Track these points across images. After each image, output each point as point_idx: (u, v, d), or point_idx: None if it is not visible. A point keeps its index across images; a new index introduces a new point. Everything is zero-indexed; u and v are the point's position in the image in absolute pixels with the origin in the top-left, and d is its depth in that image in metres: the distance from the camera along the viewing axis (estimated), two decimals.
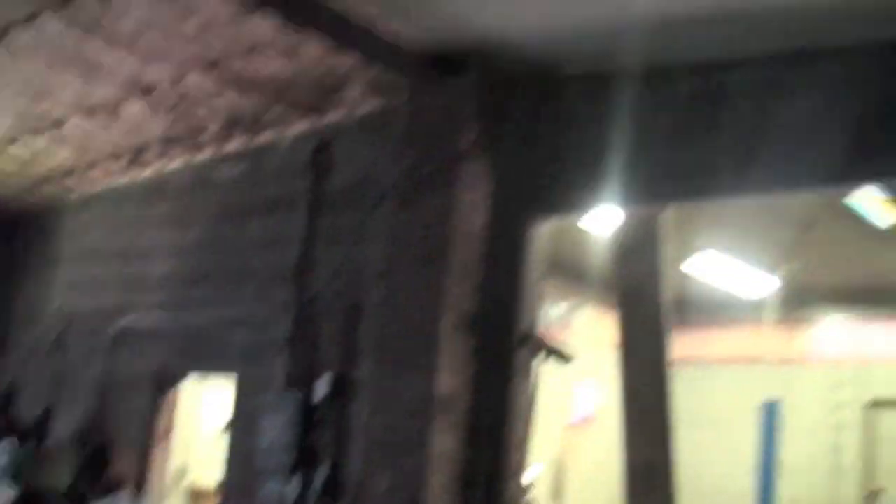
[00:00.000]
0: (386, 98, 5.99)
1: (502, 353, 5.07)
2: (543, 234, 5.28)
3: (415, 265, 5.24)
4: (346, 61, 5.59)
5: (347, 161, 6.20)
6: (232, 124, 6.62)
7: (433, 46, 5.27)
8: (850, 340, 11.87)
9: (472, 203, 5.22)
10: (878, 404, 11.38)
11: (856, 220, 9.19)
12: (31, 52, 5.69)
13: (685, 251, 10.43)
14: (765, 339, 11.75)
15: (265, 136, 6.73)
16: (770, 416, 11.19)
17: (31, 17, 5.31)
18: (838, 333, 11.96)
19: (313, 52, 5.51)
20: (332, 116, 6.35)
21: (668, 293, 5.75)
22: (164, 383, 7.00)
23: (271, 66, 5.70)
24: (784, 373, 11.67)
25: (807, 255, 9.82)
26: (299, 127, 6.54)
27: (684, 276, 11.09)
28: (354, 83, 5.84)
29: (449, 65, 5.32)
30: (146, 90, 6.20)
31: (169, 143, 7.03)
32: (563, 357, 5.15)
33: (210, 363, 6.70)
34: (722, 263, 10.27)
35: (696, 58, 4.79)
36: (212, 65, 5.79)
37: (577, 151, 5.17)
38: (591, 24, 4.79)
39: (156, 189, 7.50)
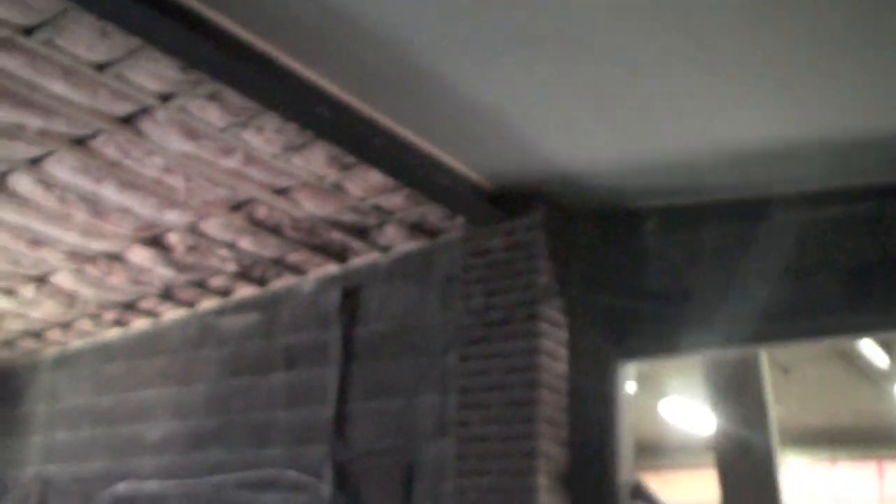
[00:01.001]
0: (427, 238, 5.58)
1: None
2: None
3: (497, 417, 4.74)
4: (393, 200, 5.18)
5: (382, 306, 5.73)
6: (246, 270, 6.10)
7: (497, 181, 4.92)
8: (821, 483, 11.78)
9: (555, 347, 4.80)
10: None
11: (830, 363, 9.26)
12: (35, 195, 5.12)
13: (657, 395, 10.29)
14: None
15: (281, 282, 6.21)
16: None
17: (38, 160, 4.77)
18: (808, 476, 11.88)
19: (358, 190, 5.09)
20: (362, 259, 5.89)
21: (774, 437, 5.35)
22: None
23: (304, 207, 5.25)
24: None
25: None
26: (321, 271, 6.05)
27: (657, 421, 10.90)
28: (394, 223, 5.42)
29: (513, 201, 4.96)
30: (155, 237, 5.66)
31: (171, 291, 6.44)
32: None
33: None
34: (688, 407, 10.16)
35: (794, 189, 4.53)
36: (235, 208, 5.31)
37: (656, 290, 4.81)
38: (671, 154, 4.52)
39: (151, 341, 6.84)
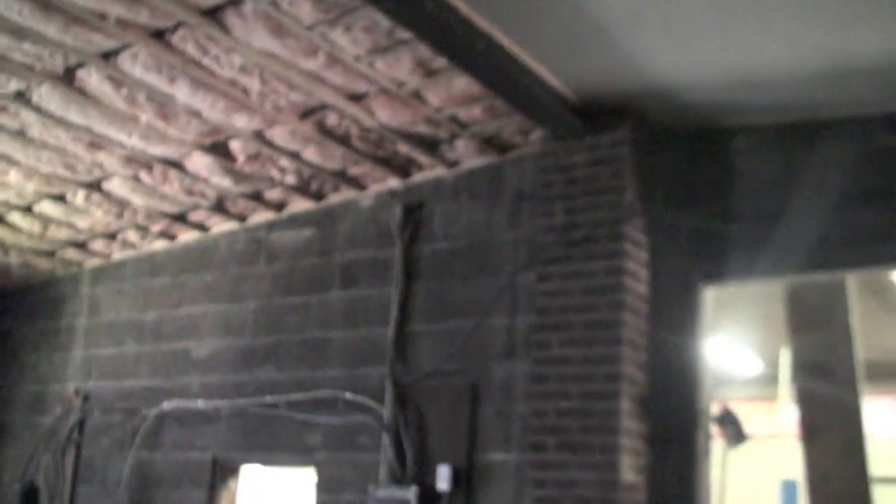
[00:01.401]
0: (497, 153, 5.41)
1: (683, 433, 4.48)
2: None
3: (579, 339, 4.62)
4: (472, 111, 5.00)
5: (447, 223, 5.58)
6: (304, 183, 5.92)
7: (584, 93, 4.74)
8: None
9: (637, 269, 4.67)
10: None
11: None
12: (102, 92, 4.92)
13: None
14: (779, 415, 11.44)
15: (339, 196, 6.05)
16: (789, 494, 10.84)
17: (111, 53, 4.57)
18: None
19: (436, 99, 4.90)
20: (425, 174, 5.72)
21: (859, 368, 5.24)
22: (220, 477, 6.12)
23: (377, 116, 5.07)
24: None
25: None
26: (381, 186, 5.88)
27: None
28: (467, 136, 5.25)
29: (599, 115, 4.78)
30: (217, 143, 5.47)
31: (223, 202, 6.27)
32: (741, 435, 4.59)
33: (281, 454, 5.88)
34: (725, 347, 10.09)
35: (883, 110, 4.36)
36: (305, 115, 5.12)
37: (744, 212, 4.66)
38: (763, 71, 4.33)
39: (199, 255, 6.68)
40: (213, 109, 5.03)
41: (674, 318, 4.72)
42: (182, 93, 4.87)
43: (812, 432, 5.29)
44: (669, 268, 4.77)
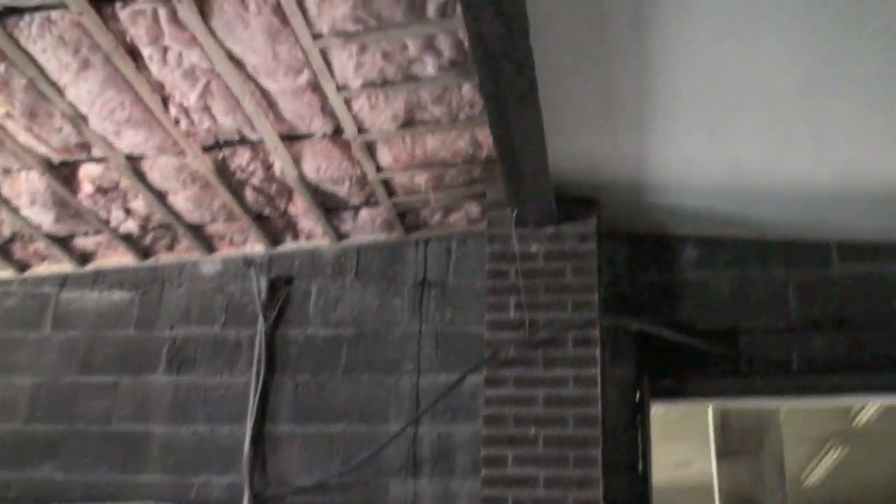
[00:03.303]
0: (405, 232, 4.68)
1: None
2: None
3: (544, 457, 3.96)
4: (417, 178, 4.29)
5: (329, 306, 4.73)
6: (141, 233, 4.70)
7: (559, 177, 4.21)
8: None
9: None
10: None
11: None
12: None
13: None
14: None
15: (174, 255, 4.87)
16: None
17: (24, 10, 3.28)
18: None
19: (389, 157, 4.13)
20: (301, 243, 4.80)
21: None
22: None
23: (303, 165, 4.18)
24: None
25: None
26: (234, 250, 4.84)
27: None
28: (383, 206, 4.47)
29: (562, 204, 4.28)
30: (70, 163, 4.16)
31: (11, 243, 4.78)
32: None
33: None
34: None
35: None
36: (212, 147, 4.06)
37: (693, 327, 4.39)
38: (749, 186, 4.20)
39: None
40: (105, 118, 3.78)
41: (619, 437, 4.24)
42: (83, 87, 3.59)
43: None
44: (616, 380, 4.32)
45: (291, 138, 3.99)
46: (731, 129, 3.85)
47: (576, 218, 4.30)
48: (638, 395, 4.31)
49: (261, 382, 4.57)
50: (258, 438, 4.48)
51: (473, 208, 4.54)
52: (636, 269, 4.54)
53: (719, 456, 5.29)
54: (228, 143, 4.04)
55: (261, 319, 4.67)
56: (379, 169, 4.18)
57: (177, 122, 3.82)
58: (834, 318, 4.32)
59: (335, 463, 4.40)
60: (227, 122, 3.84)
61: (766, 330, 4.36)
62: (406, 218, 4.60)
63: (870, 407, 7.91)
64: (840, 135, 3.79)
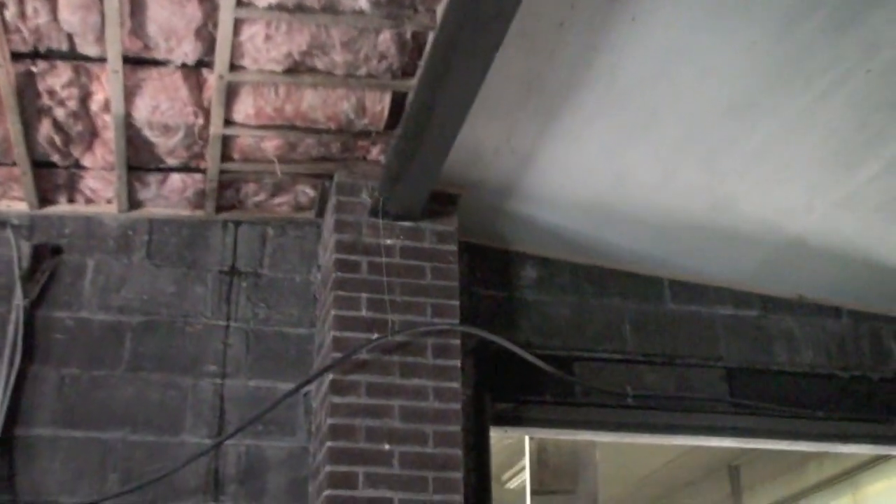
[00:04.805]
0: (216, 210, 3.95)
1: None
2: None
3: (399, 478, 3.40)
4: (267, 142, 3.61)
5: (111, 288, 3.89)
6: None
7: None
8: None
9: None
10: None
11: None
12: None
13: None
14: None
15: None
16: None
17: None
18: None
19: (251, 108, 3.43)
20: (76, 207, 3.88)
21: None
22: None
23: (137, 104, 3.34)
24: None
25: None
26: None
27: None
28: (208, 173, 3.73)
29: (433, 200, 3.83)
30: None
31: None
32: None
33: None
34: None
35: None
36: (25, 56, 3.12)
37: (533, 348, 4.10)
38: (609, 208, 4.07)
39: None
40: None
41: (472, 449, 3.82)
42: None
43: None
44: (475, 399, 3.91)
45: (138, 62, 3.17)
46: (630, 148, 3.68)
47: (435, 214, 3.85)
48: (478, 419, 3.91)
49: (14, 373, 3.56)
50: (6, 442, 3.47)
51: (307, 191, 3.92)
52: (474, 283, 4.18)
53: (534, 493, 5.00)
54: (50, 55, 3.12)
55: (19, 293, 3.67)
56: (228, 122, 3.45)
57: (2, 6, 2.87)
58: (665, 355, 4.27)
59: (112, 478, 3.52)
60: (70, 24, 2.95)
61: (602, 360, 4.20)
62: (225, 193, 3.86)
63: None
64: (731, 171, 3.75)
